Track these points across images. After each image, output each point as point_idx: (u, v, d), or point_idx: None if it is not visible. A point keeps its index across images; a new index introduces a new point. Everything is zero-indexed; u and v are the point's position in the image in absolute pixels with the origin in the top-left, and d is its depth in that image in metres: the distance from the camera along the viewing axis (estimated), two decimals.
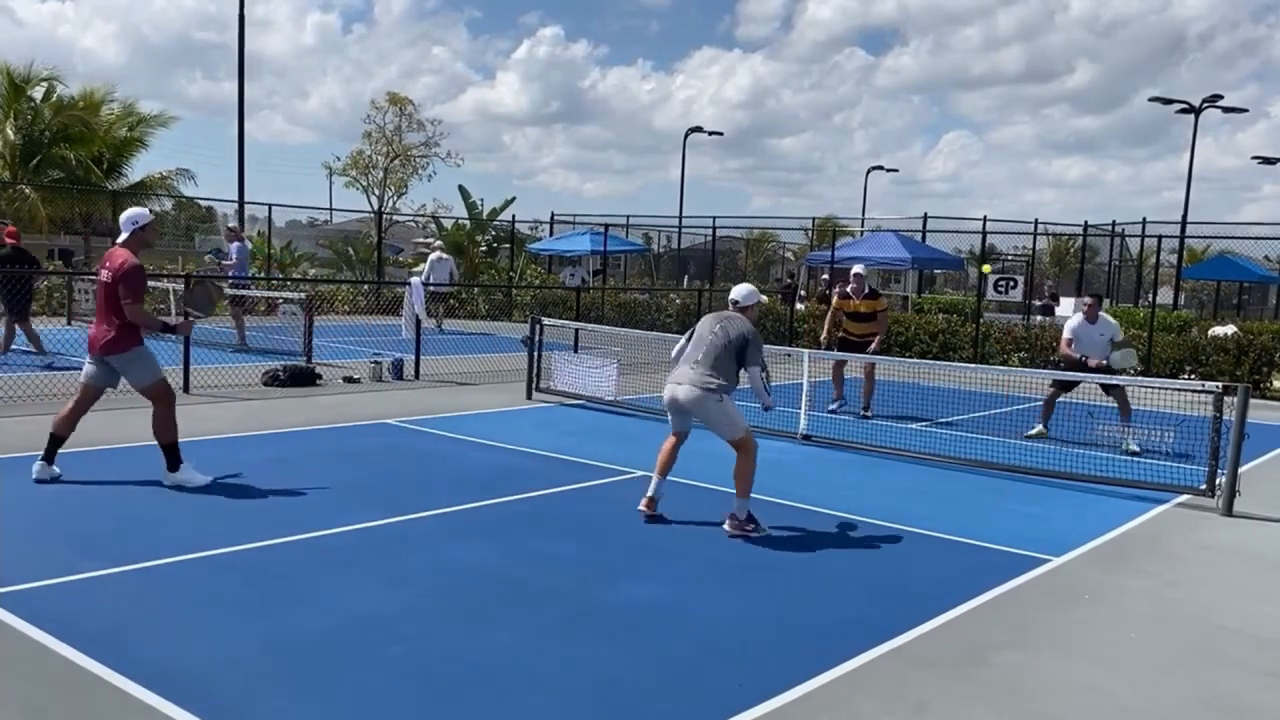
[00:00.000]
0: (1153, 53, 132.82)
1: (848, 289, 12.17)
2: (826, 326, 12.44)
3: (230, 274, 16.26)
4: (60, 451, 6.78)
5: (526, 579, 5.35)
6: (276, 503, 6.59)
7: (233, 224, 21.04)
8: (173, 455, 6.73)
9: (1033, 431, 10.73)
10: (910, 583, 5.65)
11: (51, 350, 12.94)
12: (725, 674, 4.26)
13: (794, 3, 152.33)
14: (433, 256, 22.03)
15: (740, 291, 6.95)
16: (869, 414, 11.59)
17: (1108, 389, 10.57)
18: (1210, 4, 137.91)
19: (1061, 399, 10.85)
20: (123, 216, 6.84)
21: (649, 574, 5.56)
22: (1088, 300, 10.89)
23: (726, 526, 6.36)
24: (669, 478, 6.68)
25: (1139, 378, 14.95)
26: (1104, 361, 10.47)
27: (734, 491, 6.45)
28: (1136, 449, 9.93)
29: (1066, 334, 10.85)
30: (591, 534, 6.31)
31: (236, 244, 16.69)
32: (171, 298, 16.65)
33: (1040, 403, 11.03)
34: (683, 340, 6.89)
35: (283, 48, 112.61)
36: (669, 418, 6.76)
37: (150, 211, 7.00)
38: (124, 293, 6.47)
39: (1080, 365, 10.51)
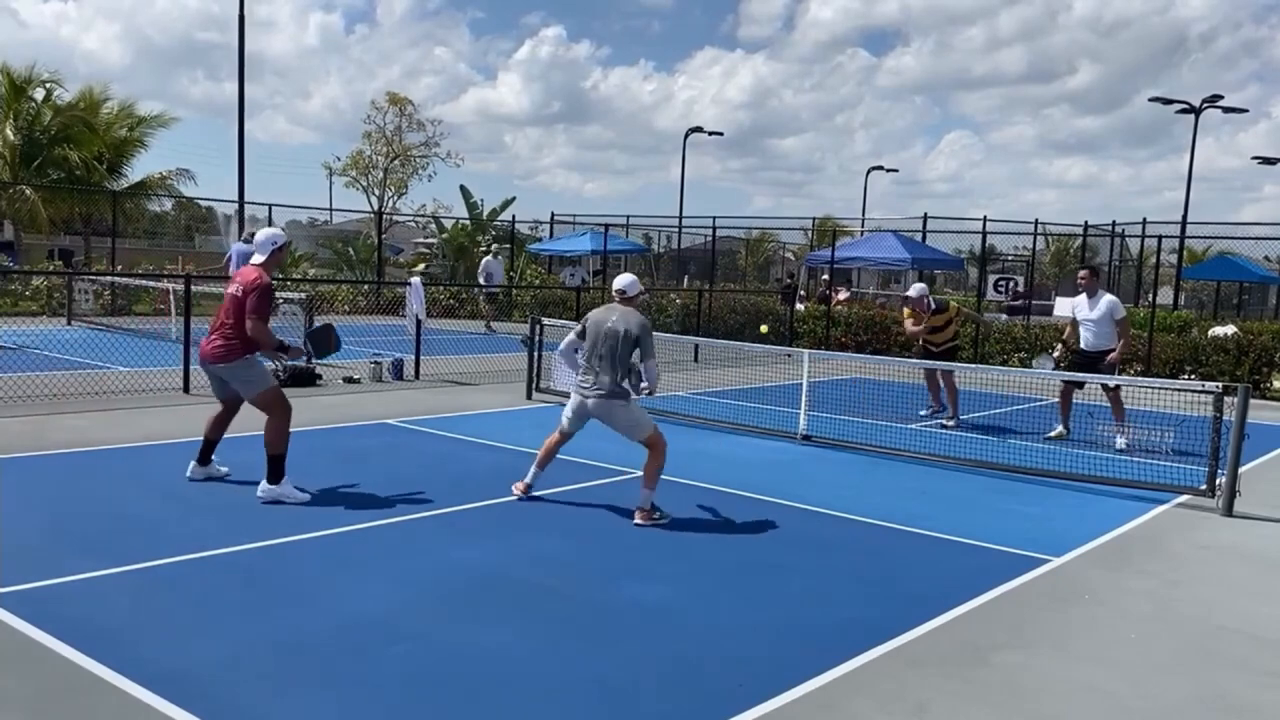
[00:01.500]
0: (1154, 53, 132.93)
1: (920, 311, 11.70)
2: (918, 334, 11.89)
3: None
4: (59, 451, 6.79)
5: (526, 579, 5.35)
6: (277, 503, 6.58)
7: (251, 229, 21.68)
8: (276, 468, 6.56)
9: (1053, 433, 10.64)
10: (910, 583, 5.65)
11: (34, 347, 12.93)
12: (725, 674, 4.26)
13: (796, 3, 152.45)
14: (486, 259, 23.18)
15: (623, 281, 7.03)
16: (953, 423, 11.21)
17: (1105, 389, 10.52)
18: (1212, 4, 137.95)
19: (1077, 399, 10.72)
20: (259, 237, 6.94)
21: (649, 574, 5.56)
22: (1081, 274, 10.55)
23: (637, 519, 6.53)
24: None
25: (1139, 378, 14.96)
26: (1105, 349, 10.23)
27: (732, 492, 6.45)
28: (1123, 446, 9.94)
29: (1069, 312, 10.68)
30: (591, 534, 6.32)
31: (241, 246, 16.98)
32: (171, 298, 16.67)
33: (1042, 403, 11.01)
34: (573, 335, 6.96)
35: (285, 48, 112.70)
36: (565, 416, 6.92)
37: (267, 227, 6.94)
38: (252, 305, 6.48)
39: (1085, 358, 10.40)
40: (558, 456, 7.08)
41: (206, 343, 6.66)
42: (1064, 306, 10.65)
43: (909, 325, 12.01)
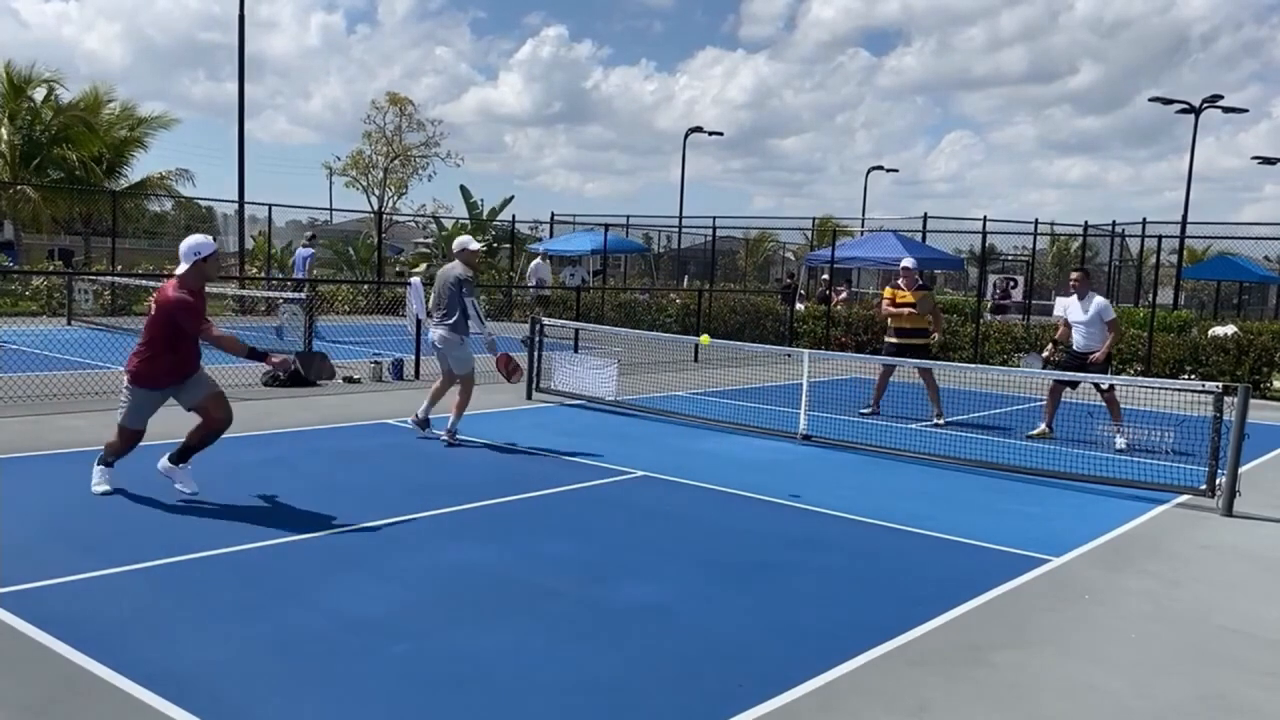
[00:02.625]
0: (1155, 53, 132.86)
1: (899, 281, 11.89)
2: (886, 318, 12.02)
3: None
4: (59, 451, 6.77)
5: (526, 579, 5.35)
6: (276, 503, 6.59)
7: (310, 231, 22.69)
8: (188, 453, 6.55)
9: (1035, 431, 10.68)
10: (910, 583, 5.65)
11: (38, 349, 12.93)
12: (725, 674, 4.26)
13: (797, 3, 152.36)
14: (535, 262, 23.99)
15: (457, 242, 9.11)
16: (941, 420, 11.28)
17: (1098, 388, 10.53)
18: (1213, 5, 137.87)
19: (1067, 398, 10.76)
20: (183, 245, 6.33)
21: (649, 574, 5.56)
22: (1074, 276, 10.62)
23: (444, 436, 8.70)
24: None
25: (1139, 378, 14.96)
26: (1095, 351, 10.30)
27: (732, 492, 6.44)
28: (1123, 446, 9.98)
29: (1058, 310, 10.79)
30: (591, 534, 6.32)
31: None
32: None
33: (1042, 403, 11.01)
34: (433, 293, 9.00)
35: (287, 48, 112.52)
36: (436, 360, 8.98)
37: (211, 236, 6.57)
38: (187, 324, 6.15)
39: (1076, 359, 10.44)
40: (564, 458, 7.28)
41: (141, 364, 6.27)
42: (1060, 306, 10.73)
43: (886, 305, 12.08)
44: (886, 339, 12.00)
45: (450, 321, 8.70)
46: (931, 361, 11.75)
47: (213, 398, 6.50)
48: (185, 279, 6.22)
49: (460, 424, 8.83)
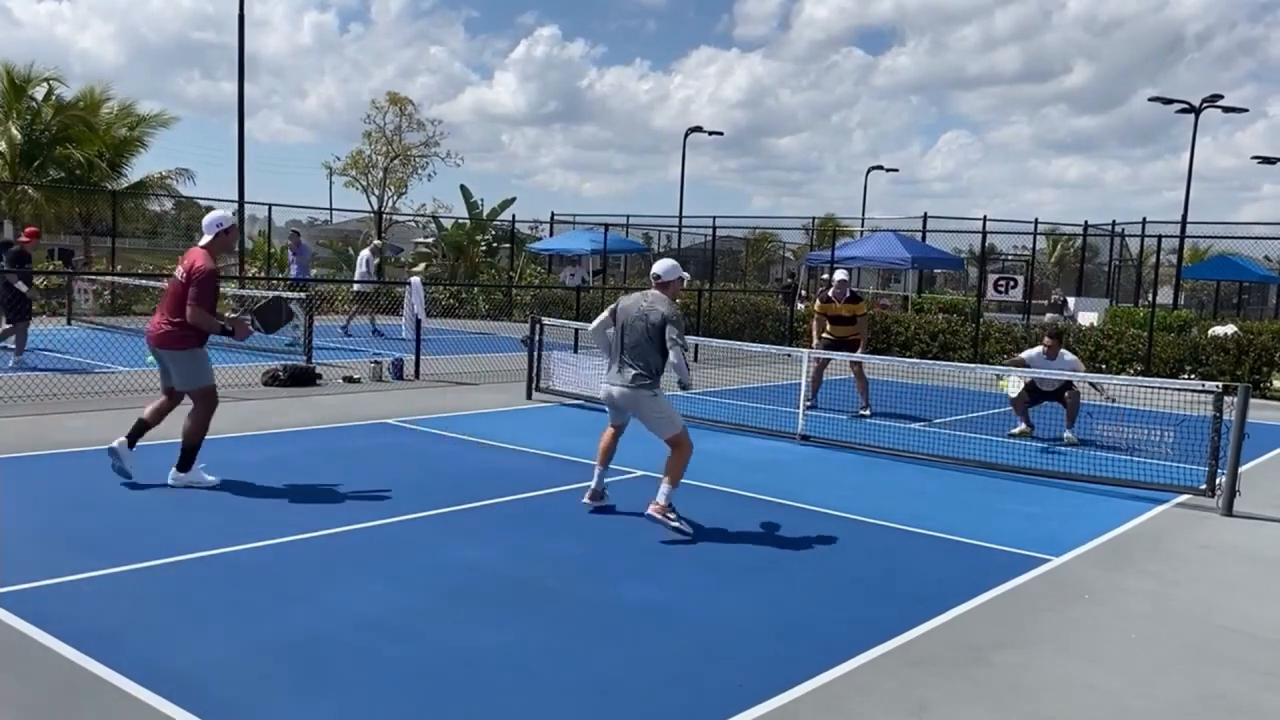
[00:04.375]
0: (1150, 52, 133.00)
1: (829, 293, 12.25)
2: (814, 331, 12.48)
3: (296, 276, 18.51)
4: (59, 451, 6.77)
5: (526, 579, 5.35)
6: (276, 503, 6.59)
7: (295, 229, 23.00)
8: (190, 457, 6.74)
9: (1015, 430, 10.71)
10: (910, 583, 5.65)
11: (46, 348, 12.93)
12: (725, 674, 4.26)
13: (791, 2, 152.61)
14: (568, 270, 25.39)
15: (662, 266, 6.75)
16: (868, 412, 11.59)
17: (1061, 393, 10.61)
18: (1207, 3, 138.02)
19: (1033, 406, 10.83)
20: (206, 219, 6.85)
21: (649, 574, 5.56)
22: (1047, 341, 10.66)
23: (650, 509, 6.32)
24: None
25: (1139, 378, 14.96)
26: (1068, 384, 10.50)
27: (732, 492, 6.44)
28: (1073, 440, 10.26)
29: (1023, 355, 10.91)
30: (591, 534, 6.31)
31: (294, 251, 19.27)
32: None
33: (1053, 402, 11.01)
34: (604, 315, 6.70)
35: (280, 48, 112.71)
36: (608, 410, 6.88)
37: (228, 216, 6.90)
38: (193, 294, 6.45)
39: (1035, 392, 10.65)
40: (564, 458, 7.12)
41: (155, 324, 6.62)
42: (1028, 355, 10.74)
43: (813, 325, 12.53)
44: (823, 335, 12.20)
45: (643, 371, 6.45)
46: (865, 355, 11.99)
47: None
48: (211, 248, 6.67)
49: (603, 476, 6.86)
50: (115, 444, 6.74)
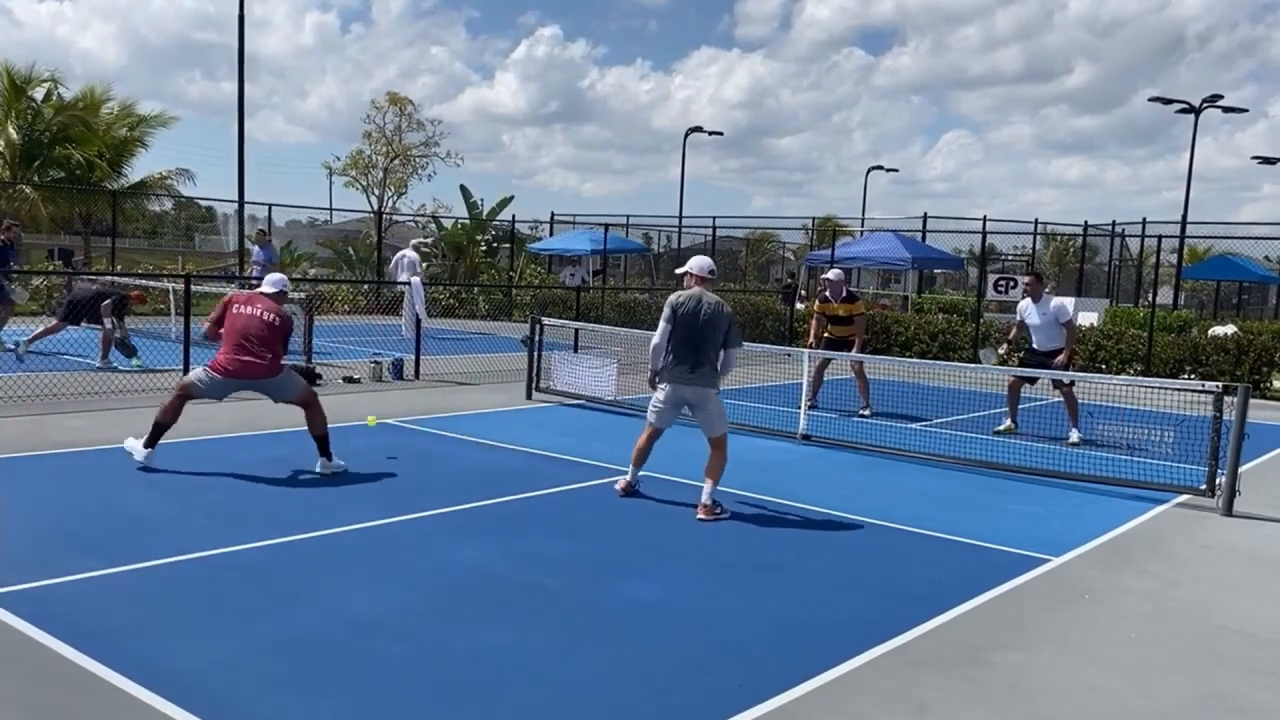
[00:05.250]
0: (1151, 53, 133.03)
1: (826, 293, 12.23)
2: (813, 331, 12.45)
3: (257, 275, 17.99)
4: (59, 451, 6.77)
5: (526, 579, 5.35)
6: (276, 503, 6.59)
7: (261, 227, 22.49)
8: (326, 445, 7.50)
9: (1001, 427, 10.73)
10: (910, 583, 5.65)
11: (50, 350, 12.92)
12: (725, 674, 4.26)
13: (792, 2, 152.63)
14: (568, 270, 25.79)
15: (707, 262, 7.10)
16: (868, 412, 11.59)
17: (1057, 384, 10.59)
18: (1208, 4, 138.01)
19: (1027, 393, 10.86)
20: (276, 279, 7.76)
21: (649, 574, 5.56)
22: (1025, 279, 10.72)
23: (700, 514, 6.66)
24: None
25: (1139, 378, 14.95)
26: (1056, 350, 10.40)
27: (732, 492, 6.45)
28: (1077, 440, 10.23)
29: (1015, 316, 10.82)
30: (591, 534, 6.31)
31: (263, 250, 18.87)
32: (171, 298, 16.68)
33: (1055, 401, 11.02)
34: (666, 328, 6.83)
35: (281, 48, 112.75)
36: (656, 412, 7.04)
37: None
38: (287, 341, 7.67)
39: (1036, 358, 10.53)
40: (564, 458, 7.12)
41: (250, 360, 7.27)
42: (1019, 310, 10.81)
43: (813, 325, 12.54)
44: (824, 335, 12.21)
45: (705, 369, 6.84)
46: (860, 355, 11.99)
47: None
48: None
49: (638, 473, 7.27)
50: (140, 457, 7.15)
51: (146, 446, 7.12)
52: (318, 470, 7.37)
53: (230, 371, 7.24)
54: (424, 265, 19.96)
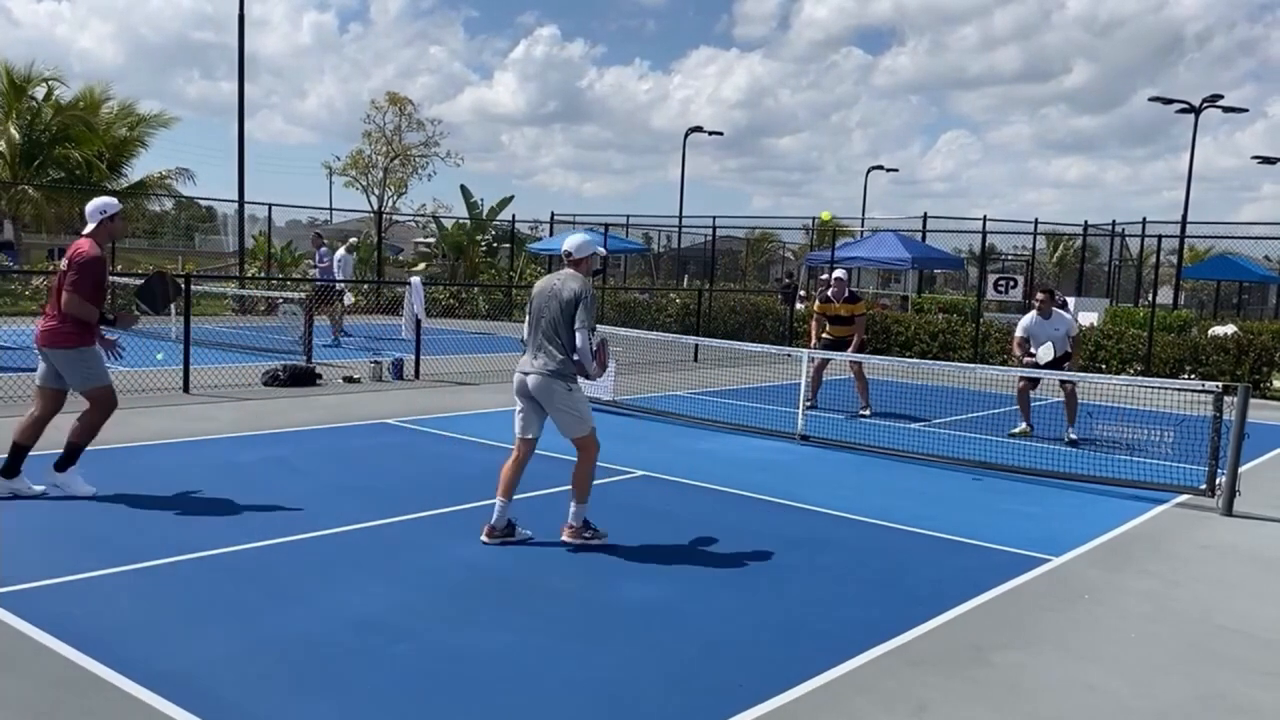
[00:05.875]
0: (1150, 52, 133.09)
1: (828, 293, 12.22)
2: (813, 331, 12.44)
3: (321, 277, 18.44)
4: (59, 451, 6.73)
5: (526, 579, 5.35)
6: (276, 503, 6.58)
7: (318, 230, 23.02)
8: (72, 458, 6.41)
9: (1016, 430, 10.72)
10: (910, 583, 5.65)
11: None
12: (725, 674, 4.26)
13: (791, 2, 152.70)
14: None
15: (573, 241, 6.08)
16: (868, 412, 11.59)
17: (1061, 384, 10.57)
18: (1207, 4, 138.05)
19: (1033, 395, 10.83)
20: (89, 205, 6.49)
21: (649, 574, 5.56)
22: (1039, 295, 10.67)
23: (565, 535, 5.93)
24: (514, 499, 5.96)
25: (1139, 378, 14.95)
26: (1065, 356, 10.43)
27: (732, 492, 6.43)
28: (1074, 438, 10.28)
29: (1019, 332, 10.69)
30: None
31: (324, 249, 18.94)
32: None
33: (1057, 402, 11.02)
34: (527, 316, 6.07)
35: (279, 47, 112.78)
36: (516, 414, 6.02)
37: (119, 202, 6.67)
38: (71, 280, 6.08)
39: (1037, 365, 10.54)
40: (564, 458, 7.01)
41: (41, 324, 6.30)
42: (1022, 327, 10.61)
43: (813, 325, 12.50)
44: (822, 335, 12.19)
45: (552, 359, 5.86)
46: (859, 355, 11.93)
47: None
48: (96, 235, 6.36)
49: (506, 510, 6.09)
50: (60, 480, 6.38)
51: None
52: (37, 487, 6.37)
53: (36, 340, 6.39)
54: (353, 258, 19.69)
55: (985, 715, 4.00)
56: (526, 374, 5.88)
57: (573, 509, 5.94)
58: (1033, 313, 10.65)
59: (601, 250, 6.27)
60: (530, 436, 5.98)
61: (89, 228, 6.41)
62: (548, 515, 6.72)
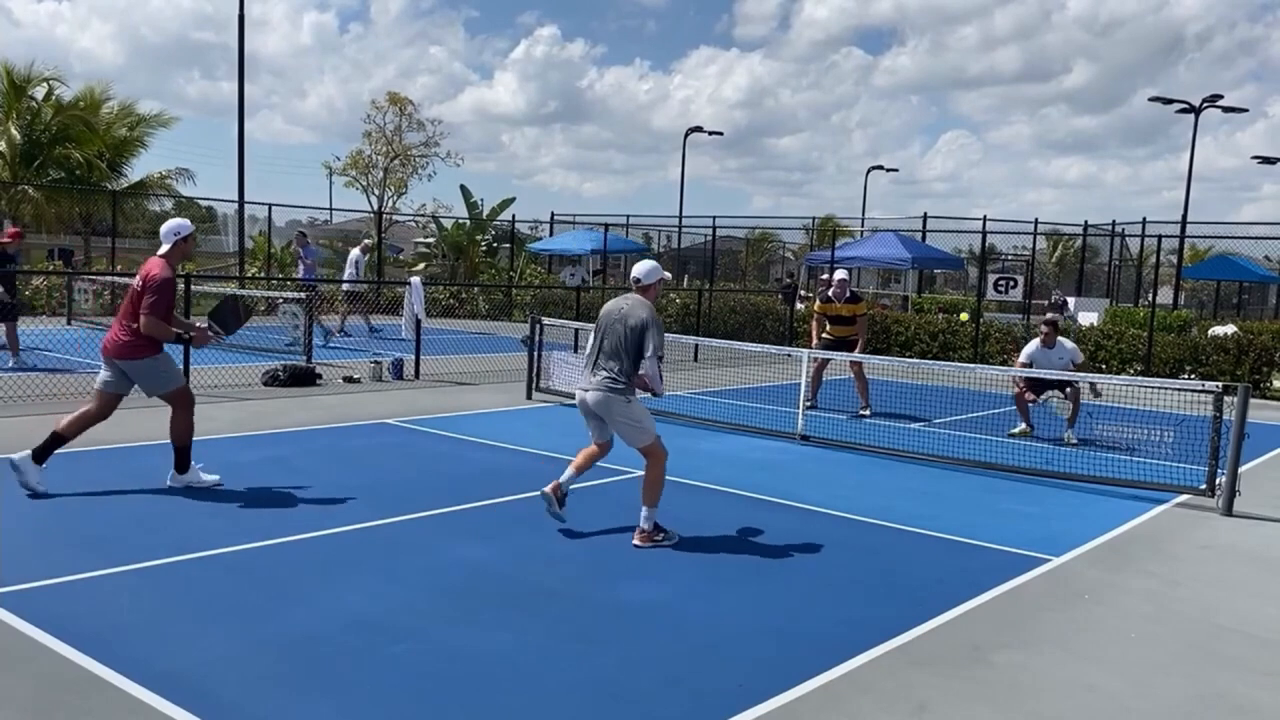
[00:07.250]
0: (1150, 52, 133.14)
1: (829, 293, 12.24)
2: (814, 331, 12.45)
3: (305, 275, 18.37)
4: (62, 451, 6.74)
5: (526, 579, 5.35)
6: (276, 503, 6.59)
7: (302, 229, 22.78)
8: (185, 458, 6.74)
9: (1016, 430, 10.73)
10: (910, 583, 5.65)
11: (43, 347, 12.92)
12: (725, 674, 4.26)
13: (791, 2, 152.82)
14: (568, 270, 26.32)
15: (642, 269, 6.35)
16: (868, 412, 11.59)
17: (1062, 387, 10.56)
18: (1207, 4, 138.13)
19: (1032, 402, 10.81)
20: (164, 227, 6.77)
21: (649, 574, 5.56)
22: (1044, 328, 10.73)
23: (635, 540, 6.06)
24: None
25: (1139, 378, 14.95)
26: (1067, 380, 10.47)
27: (732, 492, 6.43)
28: (1074, 441, 10.30)
29: (1022, 359, 10.73)
30: (591, 534, 6.31)
31: (311, 247, 19.04)
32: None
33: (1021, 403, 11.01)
34: (592, 335, 6.35)
35: (280, 47, 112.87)
36: (588, 430, 6.40)
37: (189, 221, 6.91)
38: (148, 303, 6.37)
39: (1036, 383, 10.56)
40: (564, 458, 7.01)
41: (112, 336, 6.54)
42: (1025, 355, 10.59)
43: (814, 325, 12.52)
44: (822, 335, 12.19)
45: (616, 374, 6.15)
46: (863, 355, 11.98)
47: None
48: (169, 257, 6.63)
49: (572, 479, 6.44)
50: (17, 458, 6.41)
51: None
52: (168, 483, 6.72)
53: (104, 350, 6.63)
54: (366, 259, 19.81)
55: (985, 715, 4.00)
56: (586, 391, 6.21)
57: (644, 513, 6.10)
58: (1036, 341, 10.70)
59: (667, 275, 6.56)
60: (604, 440, 6.38)
61: (163, 249, 6.66)
62: (545, 514, 6.72)
